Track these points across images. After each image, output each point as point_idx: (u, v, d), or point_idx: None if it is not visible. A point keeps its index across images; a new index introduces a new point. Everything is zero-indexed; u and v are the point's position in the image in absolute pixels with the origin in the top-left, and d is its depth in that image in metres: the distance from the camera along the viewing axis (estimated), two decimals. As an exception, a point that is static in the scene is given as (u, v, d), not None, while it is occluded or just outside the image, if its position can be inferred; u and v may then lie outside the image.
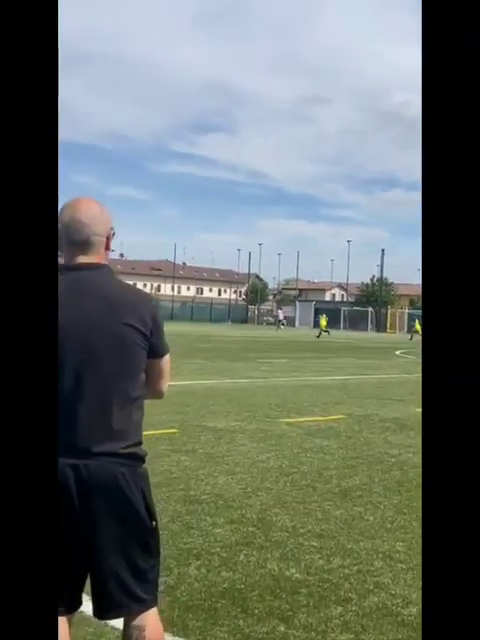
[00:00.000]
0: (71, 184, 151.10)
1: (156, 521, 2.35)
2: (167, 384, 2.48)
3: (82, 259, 2.28)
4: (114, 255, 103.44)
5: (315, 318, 61.11)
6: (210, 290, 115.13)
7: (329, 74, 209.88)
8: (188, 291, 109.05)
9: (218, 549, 4.40)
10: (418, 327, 48.64)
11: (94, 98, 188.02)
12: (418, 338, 45.28)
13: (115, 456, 2.22)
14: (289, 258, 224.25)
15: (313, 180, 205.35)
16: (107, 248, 2.35)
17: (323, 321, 46.69)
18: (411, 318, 56.50)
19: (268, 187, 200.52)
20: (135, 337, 2.24)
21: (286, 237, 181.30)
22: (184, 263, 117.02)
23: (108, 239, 2.35)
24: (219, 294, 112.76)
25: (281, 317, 57.96)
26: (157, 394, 2.47)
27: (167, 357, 2.42)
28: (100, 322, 2.20)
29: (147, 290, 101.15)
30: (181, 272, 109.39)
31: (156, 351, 2.34)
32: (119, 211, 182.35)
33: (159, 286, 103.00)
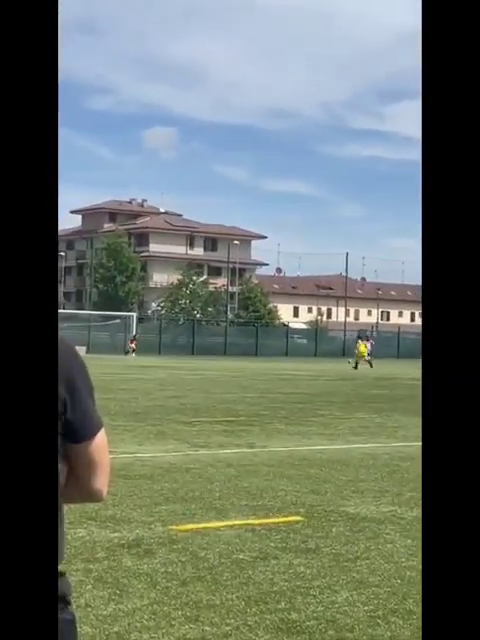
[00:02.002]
0: (219, 178, 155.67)
1: None
2: (104, 479, 2.20)
3: None
4: (269, 270, 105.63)
5: None
6: (399, 314, 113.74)
7: None
8: (369, 316, 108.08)
9: None
10: (363, 349, 48.13)
11: (246, 65, 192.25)
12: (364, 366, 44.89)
13: None
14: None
15: None
16: None
17: None
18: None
19: None
20: None
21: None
22: (363, 279, 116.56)
23: None
24: (412, 320, 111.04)
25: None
26: (90, 495, 2.21)
27: (98, 439, 2.15)
28: None
29: (312, 315, 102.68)
30: (359, 291, 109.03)
31: (76, 432, 2.09)
32: (279, 213, 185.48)
33: (329, 311, 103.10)
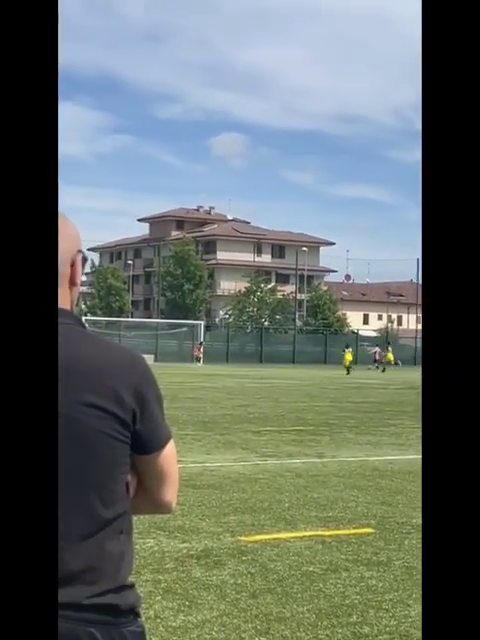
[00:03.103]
0: (287, 184, 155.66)
1: None
2: (173, 490, 2.18)
3: None
4: (338, 277, 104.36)
5: None
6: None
7: None
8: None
9: None
10: (349, 357, 49.87)
11: (313, 70, 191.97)
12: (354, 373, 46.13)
13: (76, 609, 1.95)
14: None
15: None
16: (73, 282, 2.12)
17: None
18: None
19: None
20: (102, 424, 1.98)
21: None
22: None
23: (74, 268, 2.11)
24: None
25: None
26: (159, 507, 2.20)
27: (168, 450, 2.13)
28: None
29: (383, 323, 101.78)
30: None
31: (145, 443, 2.07)
32: (348, 219, 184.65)
33: (399, 317, 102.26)
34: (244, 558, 6.81)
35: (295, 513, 8.59)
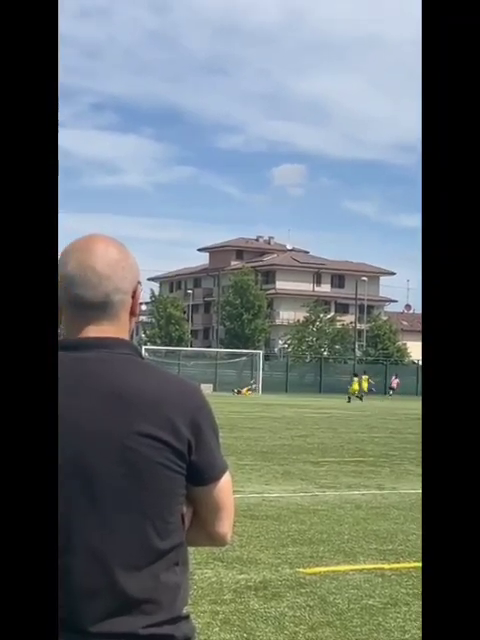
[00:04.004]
0: (347, 214, 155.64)
1: None
2: (229, 522, 2.16)
3: (92, 330, 2.06)
4: (398, 307, 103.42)
5: None
6: None
7: None
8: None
9: None
10: (356, 386, 50.27)
11: (373, 100, 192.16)
12: (359, 402, 45.78)
13: (132, 638, 1.96)
14: None
15: None
16: (133, 313, 2.13)
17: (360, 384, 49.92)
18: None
19: None
20: (157, 454, 1.97)
21: None
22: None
23: (134, 298, 2.12)
24: None
25: None
26: (214, 539, 2.18)
27: (223, 482, 2.11)
28: (100, 430, 1.97)
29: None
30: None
31: (201, 474, 2.06)
32: (408, 249, 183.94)
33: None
34: (303, 590, 6.76)
35: (354, 545, 8.51)
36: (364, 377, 52.11)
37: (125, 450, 1.97)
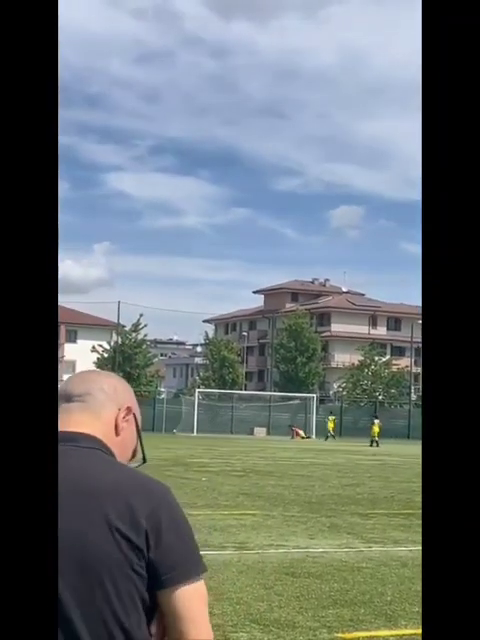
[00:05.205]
0: (404, 255, 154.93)
1: None
2: (196, 637, 1.88)
3: (68, 424, 2.02)
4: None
5: None
6: None
7: None
8: None
9: None
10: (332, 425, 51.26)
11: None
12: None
13: None
14: None
15: None
16: (116, 430, 2.08)
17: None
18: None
19: None
20: (115, 550, 1.84)
21: None
22: None
23: (117, 420, 2.09)
24: None
25: None
26: None
27: (191, 588, 1.88)
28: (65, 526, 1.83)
29: None
30: None
31: (161, 577, 1.86)
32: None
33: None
34: (339, 658, 6.60)
35: (397, 608, 8.30)
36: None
37: (78, 544, 1.84)
